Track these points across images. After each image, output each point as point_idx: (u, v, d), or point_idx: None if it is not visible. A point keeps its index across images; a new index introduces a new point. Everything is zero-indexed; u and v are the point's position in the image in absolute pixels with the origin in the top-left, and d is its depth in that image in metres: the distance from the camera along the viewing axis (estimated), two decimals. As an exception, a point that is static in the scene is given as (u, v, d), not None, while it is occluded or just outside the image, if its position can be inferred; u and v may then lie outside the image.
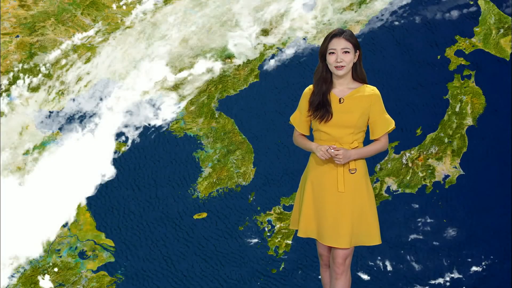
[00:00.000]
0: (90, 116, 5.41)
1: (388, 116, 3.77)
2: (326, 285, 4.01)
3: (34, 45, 5.37)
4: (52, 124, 5.35)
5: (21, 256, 5.05)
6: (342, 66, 3.72)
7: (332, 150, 3.65)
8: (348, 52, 3.71)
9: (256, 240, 5.31)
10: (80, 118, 5.41)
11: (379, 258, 5.28)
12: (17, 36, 5.35)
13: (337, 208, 3.73)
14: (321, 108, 3.76)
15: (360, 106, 3.73)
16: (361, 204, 3.74)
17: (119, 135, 5.41)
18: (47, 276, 5.01)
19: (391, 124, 3.76)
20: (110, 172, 5.34)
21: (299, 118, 3.90)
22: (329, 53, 3.74)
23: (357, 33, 5.82)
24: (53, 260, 5.05)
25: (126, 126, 5.43)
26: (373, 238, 3.77)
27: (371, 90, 3.75)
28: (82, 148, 5.37)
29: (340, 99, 3.76)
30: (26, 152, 5.24)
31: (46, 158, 5.28)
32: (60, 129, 5.35)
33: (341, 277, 3.82)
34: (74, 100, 5.41)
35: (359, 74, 3.78)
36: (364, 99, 3.74)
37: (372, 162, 5.60)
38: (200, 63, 5.49)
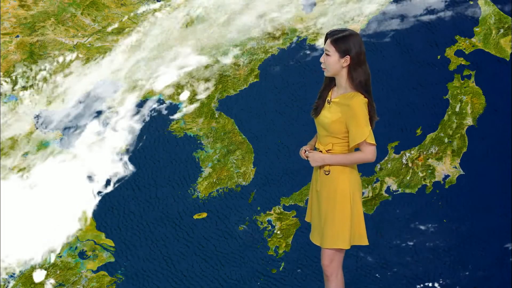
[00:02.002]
0: (99, 114, 5.41)
1: (364, 128, 3.65)
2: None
3: (34, 45, 5.37)
4: (54, 124, 5.35)
5: (23, 257, 5.05)
6: (324, 68, 3.76)
7: (306, 152, 3.82)
8: (329, 55, 3.70)
9: (244, 227, 5.31)
10: (91, 116, 5.41)
11: (378, 258, 5.28)
12: (17, 36, 5.35)
13: (314, 206, 3.92)
14: (317, 102, 3.85)
15: (336, 112, 3.72)
16: (329, 206, 3.79)
17: (131, 130, 5.42)
18: (45, 274, 5.01)
19: (361, 137, 3.65)
20: (121, 171, 5.34)
21: None
22: None
23: (357, 33, 5.82)
24: (53, 260, 5.05)
25: (138, 121, 5.43)
26: (334, 240, 3.77)
27: (352, 100, 3.67)
28: (89, 146, 5.37)
29: (328, 99, 3.79)
30: (27, 153, 5.24)
31: (47, 158, 5.28)
32: (63, 128, 5.36)
33: (331, 279, 3.84)
34: (82, 97, 5.41)
35: (353, 80, 3.71)
36: (342, 107, 3.70)
37: (372, 162, 5.59)
38: (230, 54, 5.48)
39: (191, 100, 5.52)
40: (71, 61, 5.43)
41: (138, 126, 5.49)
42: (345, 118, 3.69)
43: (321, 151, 3.80)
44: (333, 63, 3.70)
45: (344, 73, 3.72)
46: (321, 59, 3.75)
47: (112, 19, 5.54)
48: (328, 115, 3.75)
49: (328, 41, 3.71)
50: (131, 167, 5.37)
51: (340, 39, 3.67)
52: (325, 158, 3.76)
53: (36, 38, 5.37)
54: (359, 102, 3.65)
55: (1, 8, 5.33)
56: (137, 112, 5.53)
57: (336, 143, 3.76)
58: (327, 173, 3.78)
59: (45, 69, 5.37)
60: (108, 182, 5.31)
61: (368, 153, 3.70)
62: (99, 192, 5.28)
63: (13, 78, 5.30)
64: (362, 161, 3.74)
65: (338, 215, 3.75)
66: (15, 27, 5.35)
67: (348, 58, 3.68)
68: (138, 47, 5.56)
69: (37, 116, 5.32)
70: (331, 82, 3.84)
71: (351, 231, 3.78)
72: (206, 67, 5.60)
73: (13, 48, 5.32)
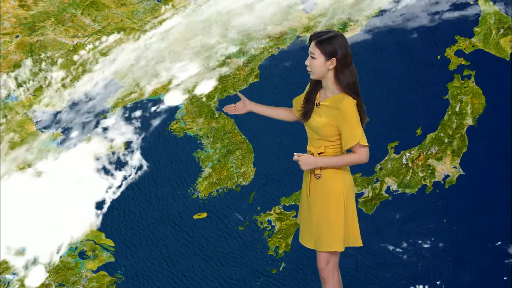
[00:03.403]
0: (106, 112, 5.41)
1: (357, 130, 3.58)
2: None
3: (34, 45, 5.37)
4: (54, 124, 5.35)
5: (24, 256, 5.05)
6: (309, 71, 3.65)
7: (296, 156, 3.69)
8: (314, 57, 3.59)
9: (240, 217, 5.32)
10: (92, 115, 5.41)
11: (378, 258, 5.29)
12: (17, 36, 5.36)
13: (305, 209, 3.84)
14: (306, 105, 3.75)
15: (327, 116, 3.65)
16: (322, 209, 3.73)
17: (132, 130, 5.42)
18: (45, 274, 5.01)
19: (354, 140, 3.59)
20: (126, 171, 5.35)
21: (298, 98, 3.86)
22: None
23: (357, 33, 5.83)
24: (53, 260, 5.05)
25: (138, 121, 5.43)
26: (330, 243, 3.72)
27: (342, 103, 3.59)
28: (89, 146, 5.37)
29: (317, 103, 3.72)
30: (27, 153, 5.24)
31: (48, 158, 5.28)
32: (64, 128, 5.36)
33: (328, 281, 3.82)
34: (91, 98, 5.41)
35: (340, 82, 3.61)
36: (332, 110, 3.63)
37: (372, 162, 5.60)
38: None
39: (209, 96, 5.53)
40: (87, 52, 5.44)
41: (138, 126, 5.49)
42: (336, 121, 3.62)
43: (312, 154, 3.74)
44: (319, 65, 3.59)
45: (331, 76, 3.62)
46: (307, 62, 3.64)
47: (112, 19, 5.54)
48: (318, 119, 3.68)
49: (313, 43, 3.60)
50: (131, 167, 5.37)
51: (325, 40, 3.56)
52: (318, 161, 3.68)
53: (36, 38, 5.38)
54: (350, 105, 3.58)
55: (1, 8, 5.33)
56: (137, 112, 5.53)
57: (328, 146, 3.70)
58: (317, 176, 3.72)
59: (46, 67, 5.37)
60: (119, 186, 5.32)
61: (361, 155, 3.63)
62: (103, 201, 5.28)
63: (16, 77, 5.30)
64: (356, 163, 3.69)
65: (333, 218, 3.71)
66: (15, 27, 5.35)
67: (334, 60, 3.57)
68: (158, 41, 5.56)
69: (38, 116, 5.32)
70: (317, 84, 3.73)
71: (345, 233, 3.75)
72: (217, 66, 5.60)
73: (13, 48, 5.33)
